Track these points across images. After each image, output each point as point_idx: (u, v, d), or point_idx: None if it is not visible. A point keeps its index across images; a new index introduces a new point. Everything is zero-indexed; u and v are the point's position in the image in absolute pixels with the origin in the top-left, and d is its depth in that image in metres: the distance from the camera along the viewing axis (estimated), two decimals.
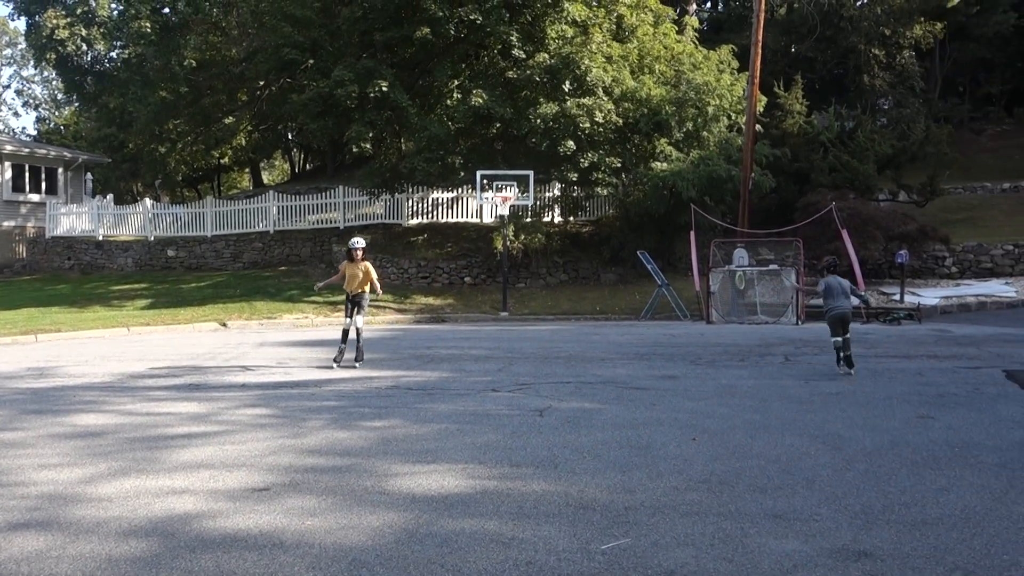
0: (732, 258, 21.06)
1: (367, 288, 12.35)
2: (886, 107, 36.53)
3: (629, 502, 5.21)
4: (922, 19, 34.83)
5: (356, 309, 12.21)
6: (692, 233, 22.13)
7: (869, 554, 4.34)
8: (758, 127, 24.55)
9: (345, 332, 12.17)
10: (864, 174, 25.55)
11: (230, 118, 36.23)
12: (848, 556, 4.32)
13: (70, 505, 5.33)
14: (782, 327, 18.65)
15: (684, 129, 24.29)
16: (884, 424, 7.48)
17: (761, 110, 25.26)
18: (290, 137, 47.31)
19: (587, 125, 23.07)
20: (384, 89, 23.20)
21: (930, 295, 21.95)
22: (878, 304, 20.94)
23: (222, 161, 46.57)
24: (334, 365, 11.83)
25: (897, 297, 21.51)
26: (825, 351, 13.34)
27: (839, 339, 10.65)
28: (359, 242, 12.48)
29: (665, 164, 23.62)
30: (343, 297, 23.82)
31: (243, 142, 42.02)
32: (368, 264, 12.42)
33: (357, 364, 11.89)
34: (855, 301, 11.30)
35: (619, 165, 24.28)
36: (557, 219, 28.35)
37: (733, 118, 25.38)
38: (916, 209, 26.45)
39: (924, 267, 24.80)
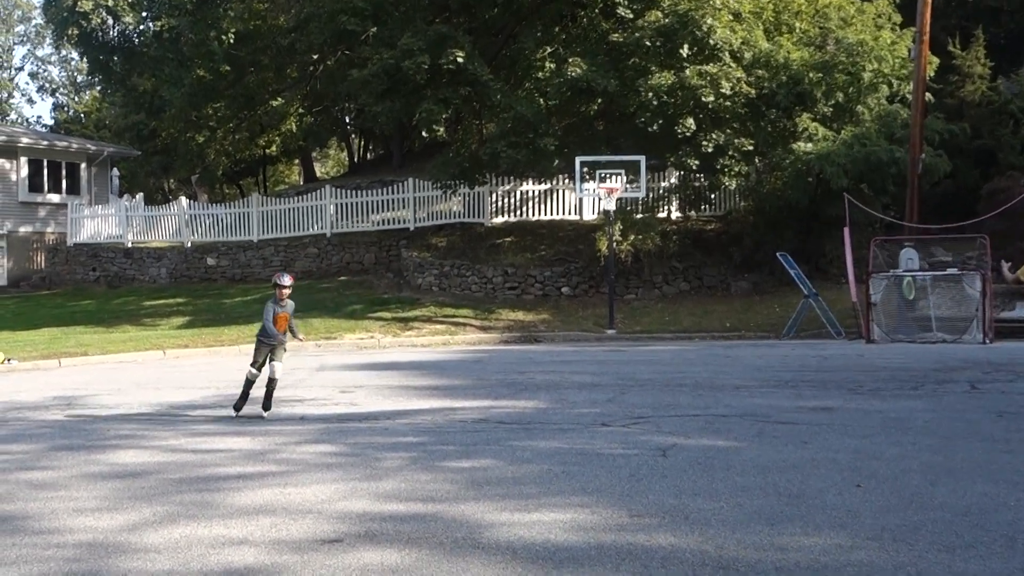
0: (898, 260, 20.64)
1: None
2: None
3: (780, 561, 5.16)
4: None
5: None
6: (846, 230, 21.76)
7: None
8: (928, 96, 24.00)
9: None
10: None
11: (278, 99, 37.12)
12: None
13: (113, 556, 5.53)
14: (965, 346, 18.19)
15: (833, 101, 23.92)
16: None
17: (932, 75, 24.68)
18: (348, 121, 48.17)
19: (711, 99, 22.93)
20: (460, 60, 23.48)
21: None
22: None
23: (268, 151, 47.76)
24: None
25: None
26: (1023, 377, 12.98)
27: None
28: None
29: (810, 145, 23.32)
30: (414, 314, 24.55)
31: (293, 128, 43.00)
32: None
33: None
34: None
35: (751, 147, 24.06)
36: (675, 214, 28.26)
37: (896, 86, 24.86)
38: None
39: None
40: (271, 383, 10.91)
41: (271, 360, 10.96)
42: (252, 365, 11.05)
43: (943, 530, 5.68)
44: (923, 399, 11.05)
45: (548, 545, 5.53)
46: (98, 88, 53.68)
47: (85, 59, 34.03)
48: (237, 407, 10.95)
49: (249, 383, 11.02)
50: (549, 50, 27.07)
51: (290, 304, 11.14)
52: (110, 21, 31.06)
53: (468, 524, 6.01)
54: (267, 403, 10.88)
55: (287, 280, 11.11)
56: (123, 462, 8.35)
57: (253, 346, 11.35)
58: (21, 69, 75.61)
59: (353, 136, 52.74)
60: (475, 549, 5.50)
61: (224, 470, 7.90)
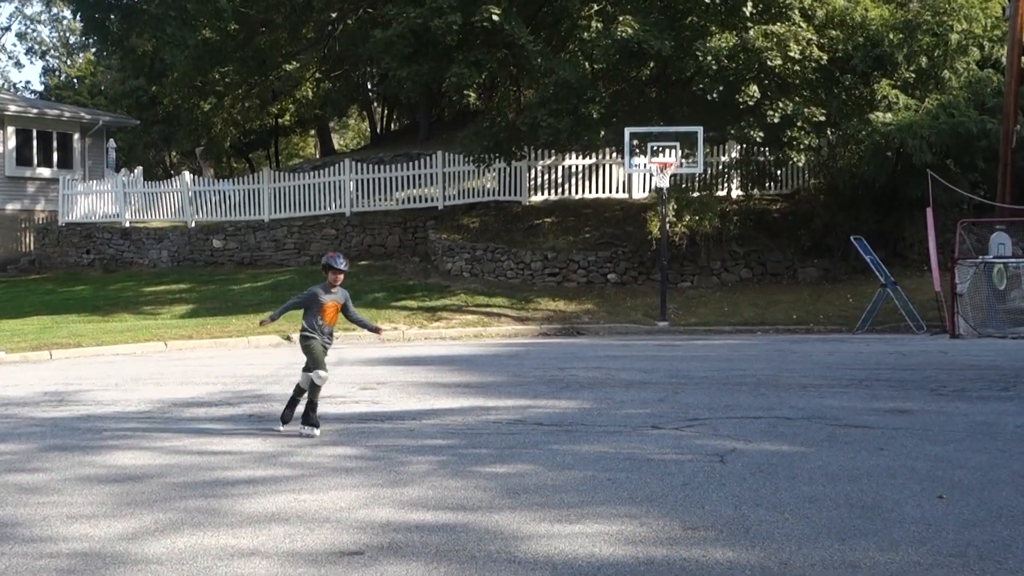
0: (988, 245, 20.47)
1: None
2: None
3: None
4: None
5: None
6: (929, 211, 21.59)
7: None
8: None
9: None
10: None
11: (292, 63, 37.26)
12: None
13: (111, 567, 5.61)
14: None
15: (916, 65, 23.70)
16: None
17: None
18: (370, 87, 48.25)
19: (778, 62, 22.79)
20: (496, 18, 23.44)
21: None
22: None
23: (281, 121, 47.98)
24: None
25: None
26: None
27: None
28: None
29: (889, 115, 23.13)
30: (443, 303, 24.60)
31: (309, 95, 43.18)
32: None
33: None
34: None
35: (823, 118, 23.90)
36: (735, 193, 28.11)
37: (988, 49, 24.59)
38: None
39: None
40: (298, 391, 9.91)
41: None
42: (318, 368, 9.65)
43: None
44: (1014, 401, 10.97)
45: (592, 559, 5.55)
46: (93, 50, 54.07)
47: (78, 18, 34.30)
48: (313, 422, 9.60)
49: (316, 389, 9.72)
50: (596, 7, 26.94)
51: (342, 292, 9.99)
52: None
53: (503, 535, 6.04)
54: (288, 414, 9.95)
55: (343, 263, 9.88)
56: (121, 464, 8.45)
57: (299, 346, 10.08)
58: (8, 29, 76.09)
59: (375, 104, 52.77)
60: (510, 563, 5.52)
61: (232, 474, 7.98)
